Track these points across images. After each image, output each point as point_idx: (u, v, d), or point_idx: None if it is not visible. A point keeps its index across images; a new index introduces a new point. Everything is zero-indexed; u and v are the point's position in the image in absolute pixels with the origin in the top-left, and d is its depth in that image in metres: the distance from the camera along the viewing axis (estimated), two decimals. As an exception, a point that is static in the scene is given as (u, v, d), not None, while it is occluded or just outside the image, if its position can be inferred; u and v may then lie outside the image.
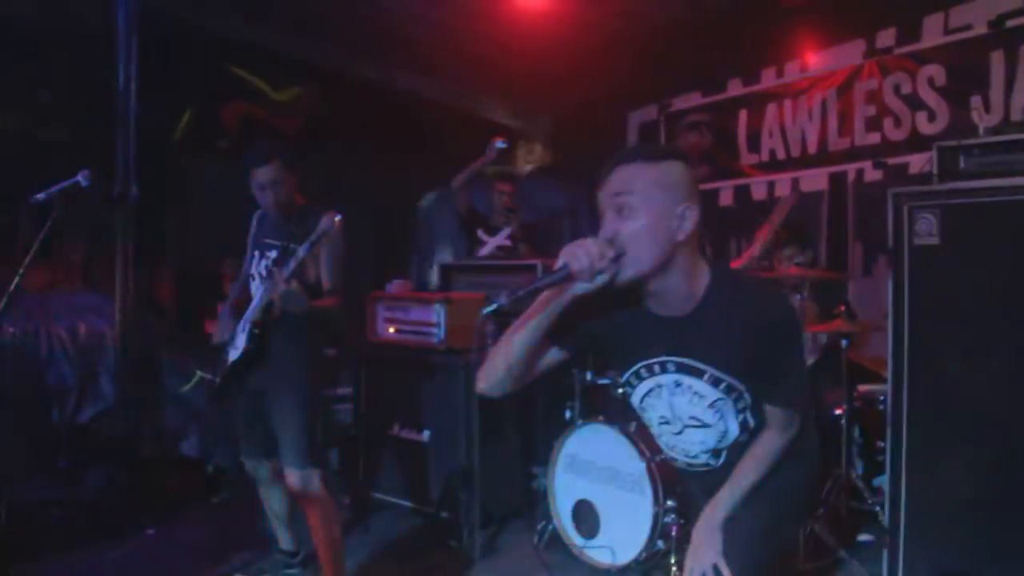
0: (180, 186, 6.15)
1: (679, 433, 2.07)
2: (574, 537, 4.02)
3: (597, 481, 3.95)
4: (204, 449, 5.04)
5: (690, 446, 2.09)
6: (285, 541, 3.82)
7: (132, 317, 4.92)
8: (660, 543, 3.74)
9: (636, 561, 3.76)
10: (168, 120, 6.12)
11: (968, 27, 4.57)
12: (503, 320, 1.98)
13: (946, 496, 3.03)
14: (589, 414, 4.15)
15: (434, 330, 4.49)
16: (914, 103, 4.91)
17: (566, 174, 6.86)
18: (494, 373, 1.99)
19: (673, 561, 3.65)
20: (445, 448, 4.44)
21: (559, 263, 1.78)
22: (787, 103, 5.85)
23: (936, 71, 4.78)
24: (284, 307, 3.28)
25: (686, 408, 2.01)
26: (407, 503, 4.63)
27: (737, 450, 2.04)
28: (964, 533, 2.98)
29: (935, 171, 3.39)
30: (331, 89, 6.60)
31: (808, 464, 2.19)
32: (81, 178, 3.22)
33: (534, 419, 4.72)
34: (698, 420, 2.02)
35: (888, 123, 5.09)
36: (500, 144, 5.43)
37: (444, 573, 3.94)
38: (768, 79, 6.03)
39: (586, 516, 3.97)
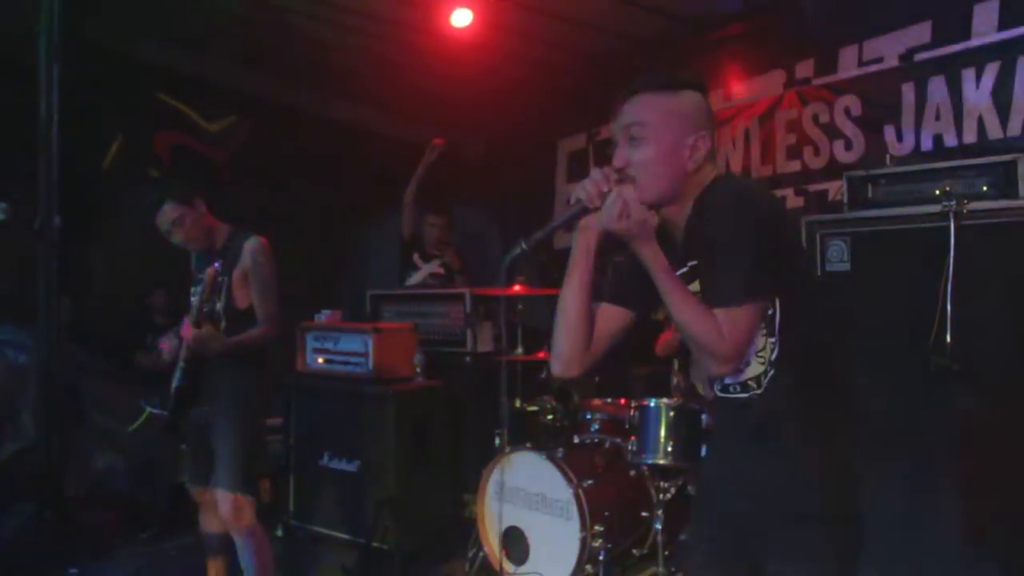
0: (110, 216, 6.05)
1: None
2: (504, 564, 4.03)
3: (526, 508, 3.98)
4: (132, 484, 4.93)
5: None
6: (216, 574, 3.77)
7: (55, 350, 4.79)
8: (588, 568, 3.77)
9: (565, 587, 3.79)
10: (97, 148, 6.04)
11: (880, 59, 4.73)
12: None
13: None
14: (517, 441, 4.18)
15: (363, 360, 4.48)
16: (832, 132, 5.05)
17: (496, 201, 6.91)
18: (560, 348, 1.95)
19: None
20: (375, 478, 4.43)
21: (572, 200, 1.81)
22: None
23: (852, 101, 4.93)
24: (200, 353, 3.30)
25: None
26: (340, 534, 4.60)
27: (773, 386, 1.80)
28: (870, 550, 3.06)
29: (845, 200, 3.51)
30: (263, 117, 6.58)
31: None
32: None
33: (464, 447, 4.73)
34: None
35: (808, 151, 5.23)
36: (438, 144, 5.50)
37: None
38: (693, 108, 6.13)
39: (516, 543, 3.99)
